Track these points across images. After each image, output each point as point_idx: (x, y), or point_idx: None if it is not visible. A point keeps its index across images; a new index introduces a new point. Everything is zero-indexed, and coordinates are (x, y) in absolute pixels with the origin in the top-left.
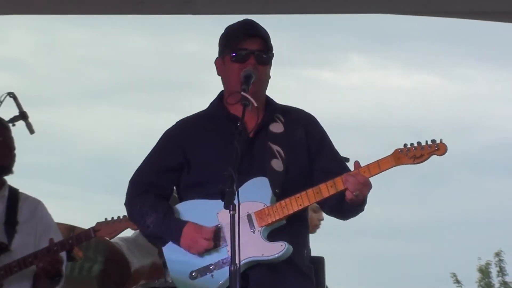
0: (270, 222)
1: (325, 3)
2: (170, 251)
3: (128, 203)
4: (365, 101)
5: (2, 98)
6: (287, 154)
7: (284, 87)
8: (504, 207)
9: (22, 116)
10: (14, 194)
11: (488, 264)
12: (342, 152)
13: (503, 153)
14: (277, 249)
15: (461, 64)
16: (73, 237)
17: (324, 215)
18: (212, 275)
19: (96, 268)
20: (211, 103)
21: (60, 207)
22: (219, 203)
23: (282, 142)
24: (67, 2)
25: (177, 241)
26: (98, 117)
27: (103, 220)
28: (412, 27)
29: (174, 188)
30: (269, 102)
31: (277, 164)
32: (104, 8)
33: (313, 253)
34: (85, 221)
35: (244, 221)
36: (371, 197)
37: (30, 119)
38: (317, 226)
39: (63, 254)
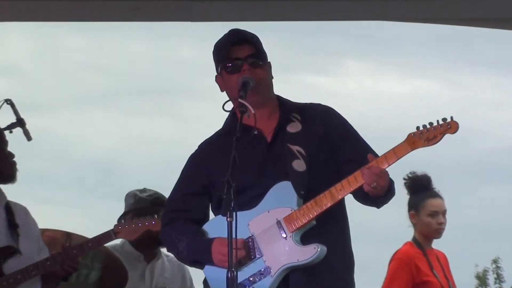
0: (299, 226)
1: (321, 10)
2: (209, 271)
3: (161, 233)
4: (361, 107)
5: (0, 105)
6: (308, 153)
7: (279, 92)
8: (501, 214)
9: (20, 123)
10: (6, 202)
11: (485, 271)
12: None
13: (500, 160)
14: (311, 252)
15: (457, 70)
16: (93, 240)
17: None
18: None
19: (94, 275)
20: (226, 120)
21: (57, 213)
22: (248, 213)
23: (301, 141)
24: (64, 9)
25: (210, 261)
26: (95, 123)
27: (121, 221)
28: (408, 33)
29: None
30: (282, 102)
31: (298, 165)
32: (100, 15)
33: None
34: (82, 228)
35: (274, 228)
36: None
37: (27, 126)
38: (438, 230)
39: None
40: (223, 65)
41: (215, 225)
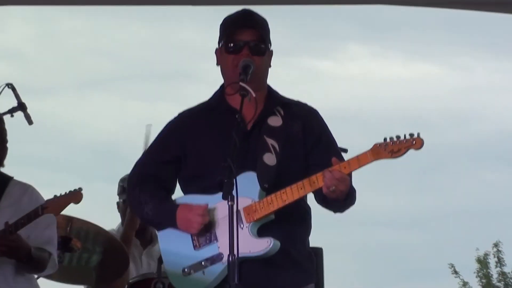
0: (256, 218)
1: None
2: (165, 242)
3: (128, 194)
4: (364, 91)
5: (1, 89)
6: (282, 148)
7: (282, 77)
8: (502, 198)
9: (21, 107)
10: (3, 181)
11: (486, 255)
12: (341, 143)
13: (501, 144)
14: (264, 245)
15: (460, 54)
16: (24, 217)
17: None
18: (203, 272)
19: (95, 258)
20: (213, 94)
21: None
22: (213, 197)
23: (278, 136)
24: None
25: (174, 225)
26: (96, 107)
27: (52, 197)
28: (411, 17)
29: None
30: (271, 94)
31: (269, 158)
32: None
33: (311, 244)
34: (84, 211)
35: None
36: (370, 187)
37: (29, 110)
38: None
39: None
40: (224, 42)
41: (189, 202)
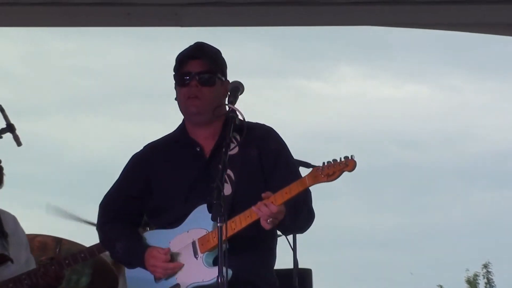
0: (209, 247)
1: (313, 16)
2: (130, 272)
3: (99, 229)
4: (354, 111)
5: None
6: (237, 177)
7: (273, 97)
8: (492, 218)
9: (10, 128)
10: None
11: (476, 276)
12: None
13: (491, 164)
14: (214, 274)
15: (450, 75)
16: (85, 251)
17: None
18: None
19: (84, 280)
20: (178, 127)
21: (47, 217)
22: (173, 231)
23: (234, 164)
24: (55, 15)
25: (142, 265)
26: (86, 127)
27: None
28: (401, 38)
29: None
30: (226, 122)
31: (224, 188)
32: (91, 21)
33: (300, 265)
34: (73, 232)
35: (189, 248)
36: (359, 208)
37: (18, 131)
38: None
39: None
40: (175, 76)
41: (149, 238)
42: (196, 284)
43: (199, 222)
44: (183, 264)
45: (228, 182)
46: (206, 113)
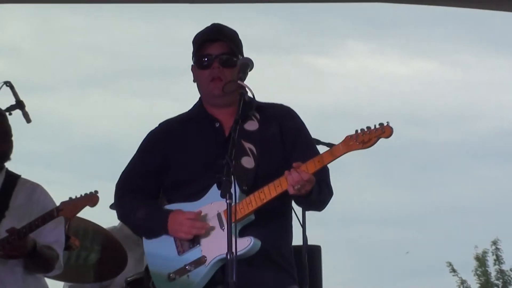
0: (236, 219)
1: None
2: (150, 247)
3: (117, 204)
4: (362, 88)
5: None
6: (259, 151)
7: (281, 74)
8: (501, 195)
9: (19, 105)
10: (11, 180)
11: (484, 253)
12: (338, 139)
13: (500, 141)
14: (244, 245)
15: (459, 51)
16: (38, 218)
17: None
18: (188, 276)
19: (93, 257)
20: (193, 106)
21: (56, 194)
22: (196, 204)
23: (255, 139)
24: None
25: (165, 230)
26: (95, 104)
27: (67, 199)
28: (409, 14)
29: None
30: (245, 101)
31: (247, 161)
32: None
33: (310, 242)
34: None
35: (214, 220)
36: (368, 185)
37: (27, 107)
38: None
39: (40, 237)
40: (195, 59)
41: (178, 208)
42: (222, 256)
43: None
44: (210, 225)
45: (250, 156)
46: (226, 96)
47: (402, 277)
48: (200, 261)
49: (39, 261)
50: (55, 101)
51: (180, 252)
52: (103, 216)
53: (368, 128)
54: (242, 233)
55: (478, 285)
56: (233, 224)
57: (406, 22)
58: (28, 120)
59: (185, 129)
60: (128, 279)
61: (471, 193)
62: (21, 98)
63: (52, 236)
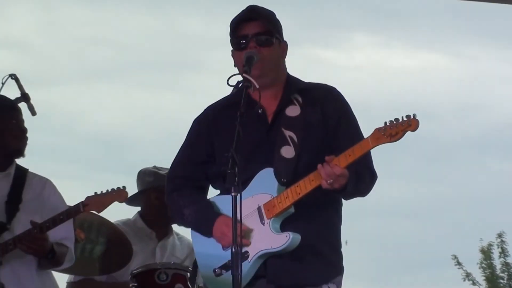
0: (275, 213)
1: None
2: (198, 245)
3: (168, 199)
4: (369, 81)
5: (4, 80)
6: (300, 139)
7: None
8: (507, 188)
9: (24, 98)
10: (21, 174)
11: (490, 245)
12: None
13: (507, 134)
14: (283, 240)
15: (466, 44)
16: (63, 212)
17: None
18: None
19: (98, 249)
20: (238, 89)
21: (62, 187)
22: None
23: (296, 126)
24: None
25: (210, 234)
26: (101, 97)
27: (93, 194)
28: (416, 6)
29: None
30: (288, 83)
31: (287, 151)
32: None
33: None
34: None
35: (255, 214)
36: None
37: (32, 100)
38: None
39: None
40: (232, 41)
41: (220, 202)
42: (264, 251)
43: (263, 187)
44: (253, 229)
45: (291, 145)
46: (268, 74)
47: (407, 270)
48: (243, 257)
49: (52, 259)
50: (61, 94)
51: (224, 247)
52: (110, 208)
53: (396, 120)
54: (284, 227)
55: (483, 278)
56: (272, 219)
57: (413, 14)
58: (33, 113)
59: (229, 116)
60: (134, 271)
61: (477, 186)
62: (27, 90)
63: (62, 232)
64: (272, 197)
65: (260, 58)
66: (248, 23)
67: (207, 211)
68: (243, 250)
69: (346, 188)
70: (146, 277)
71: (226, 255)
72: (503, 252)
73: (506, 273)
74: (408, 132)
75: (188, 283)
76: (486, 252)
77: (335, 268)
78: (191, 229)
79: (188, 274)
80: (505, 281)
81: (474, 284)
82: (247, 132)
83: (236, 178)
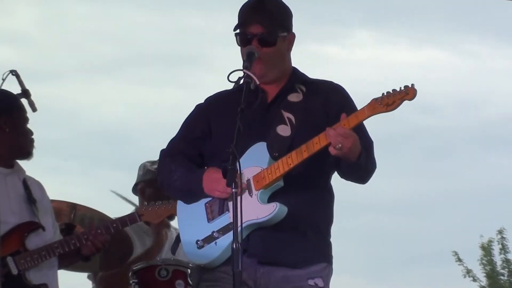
0: (264, 184)
1: None
2: (181, 214)
3: (159, 167)
4: (371, 77)
5: (5, 76)
6: (298, 122)
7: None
8: (508, 184)
9: (25, 94)
10: (23, 172)
11: (490, 242)
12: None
13: (508, 129)
14: (269, 210)
15: (468, 40)
16: (117, 220)
17: None
18: (215, 243)
19: None
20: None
21: (64, 183)
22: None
23: (296, 110)
24: None
25: (200, 189)
26: (103, 92)
27: (146, 204)
28: (418, 3)
29: None
30: (293, 75)
31: (283, 129)
32: None
33: None
34: (89, 198)
35: (243, 186)
36: (375, 171)
37: (33, 95)
38: None
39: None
40: (237, 35)
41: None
42: (250, 222)
43: (254, 160)
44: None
45: (288, 125)
46: (269, 74)
47: (408, 265)
48: (227, 228)
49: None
50: (62, 89)
51: (210, 219)
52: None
53: (394, 90)
54: (271, 200)
55: (484, 274)
56: (261, 191)
57: (414, 10)
58: (34, 109)
59: (229, 100)
60: (134, 268)
61: (477, 182)
62: (28, 86)
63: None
64: (262, 169)
65: (261, 56)
66: (252, 20)
67: (195, 171)
68: (228, 221)
69: (360, 159)
70: (146, 273)
71: (209, 226)
72: (504, 249)
73: (506, 269)
74: (408, 129)
75: (189, 279)
76: (487, 249)
77: (317, 254)
78: (179, 194)
79: (189, 270)
80: (505, 278)
81: (474, 280)
82: (246, 112)
83: (237, 175)
